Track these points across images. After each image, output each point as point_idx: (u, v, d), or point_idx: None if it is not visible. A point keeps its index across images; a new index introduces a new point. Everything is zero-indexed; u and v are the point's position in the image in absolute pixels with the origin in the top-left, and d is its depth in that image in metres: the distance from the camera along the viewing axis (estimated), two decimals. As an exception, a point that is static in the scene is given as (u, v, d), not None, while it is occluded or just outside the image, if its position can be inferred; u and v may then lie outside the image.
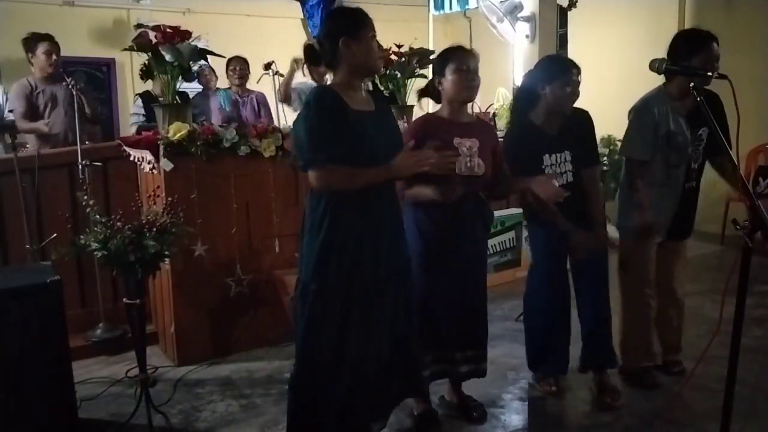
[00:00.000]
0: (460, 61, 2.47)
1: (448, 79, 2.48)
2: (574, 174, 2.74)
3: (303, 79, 4.99)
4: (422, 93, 2.66)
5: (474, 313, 2.62)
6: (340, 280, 2.07)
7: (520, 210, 4.40)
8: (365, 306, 2.12)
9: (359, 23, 2.12)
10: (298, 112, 2.16)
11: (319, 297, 2.08)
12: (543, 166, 2.69)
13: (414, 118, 3.52)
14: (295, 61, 4.78)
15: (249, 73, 5.24)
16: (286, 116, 5.13)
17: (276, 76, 4.81)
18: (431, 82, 2.59)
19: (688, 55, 2.63)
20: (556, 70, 2.66)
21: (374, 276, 2.11)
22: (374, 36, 2.15)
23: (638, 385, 2.94)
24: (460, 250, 2.52)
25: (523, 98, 2.81)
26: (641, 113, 2.80)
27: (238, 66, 5.17)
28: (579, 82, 2.66)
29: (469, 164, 2.45)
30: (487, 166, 2.50)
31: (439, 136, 2.42)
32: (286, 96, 4.90)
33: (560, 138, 2.71)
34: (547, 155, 2.70)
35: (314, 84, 5.12)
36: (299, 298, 2.14)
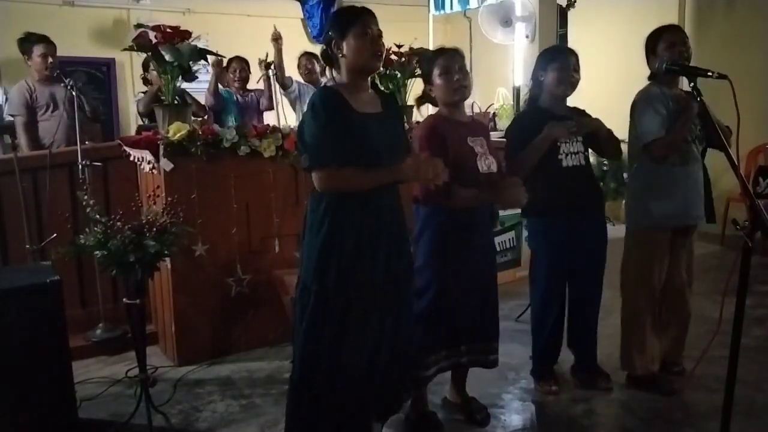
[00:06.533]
0: (445, 63, 2.46)
1: (437, 83, 2.48)
2: (585, 158, 2.78)
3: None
4: (420, 101, 2.67)
5: (489, 307, 2.62)
6: (339, 280, 2.04)
7: (520, 210, 4.41)
8: (363, 307, 2.09)
9: (346, 23, 2.07)
10: (303, 111, 2.18)
11: (320, 298, 2.05)
12: (558, 143, 2.73)
13: (419, 120, 3.52)
14: (275, 39, 4.82)
15: (250, 73, 5.22)
16: (285, 116, 5.15)
17: (274, 77, 4.82)
18: (425, 90, 2.60)
19: (653, 52, 2.82)
20: (551, 56, 2.80)
21: (372, 277, 2.09)
22: (368, 33, 2.06)
23: (652, 392, 2.86)
24: (477, 245, 2.53)
25: (532, 90, 2.90)
26: (647, 98, 2.81)
27: (239, 68, 5.13)
28: (576, 65, 2.75)
29: (487, 161, 2.49)
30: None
31: (453, 137, 2.44)
32: (282, 81, 4.99)
33: (568, 119, 2.74)
34: None
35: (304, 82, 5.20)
36: (299, 299, 2.13)
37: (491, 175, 2.50)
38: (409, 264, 2.27)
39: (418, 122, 3.69)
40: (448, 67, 2.45)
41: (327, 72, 4.72)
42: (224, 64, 5.01)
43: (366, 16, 2.09)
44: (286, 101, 5.21)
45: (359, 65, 2.10)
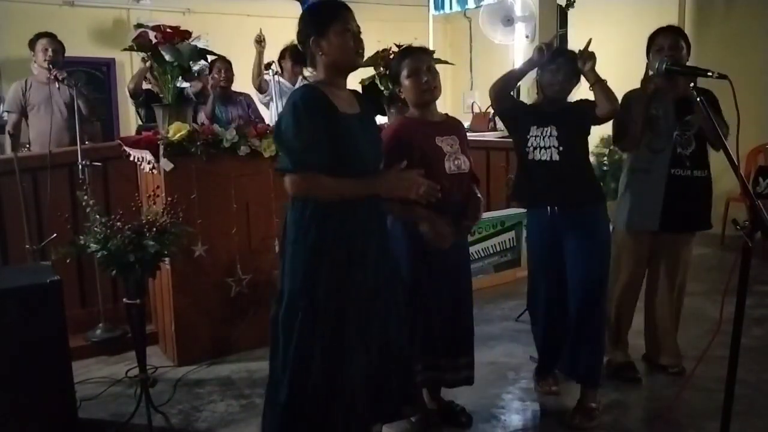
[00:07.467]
0: (413, 64, 2.41)
1: (406, 85, 2.43)
2: (561, 153, 2.64)
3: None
4: (389, 101, 2.64)
5: (462, 317, 2.55)
6: (330, 291, 1.95)
7: (520, 210, 4.41)
8: (359, 316, 2.00)
9: (327, 19, 1.97)
10: (280, 109, 2.10)
11: (309, 313, 1.94)
12: (528, 136, 2.70)
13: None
14: (258, 42, 4.76)
15: (233, 74, 5.09)
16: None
17: (276, 76, 4.80)
18: (394, 91, 2.55)
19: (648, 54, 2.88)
20: (551, 57, 2.73)
21: (365, 284, 2.01)
22: (349, 29, 1.97)
23: (618, 378, 2.99)
24: (443, 252, 2.45)
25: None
26: (623, 99, 2.88)
27: (224, 68, 4.97)
28: (565, 69, 2.66)
29: (456, 161, 2.44)
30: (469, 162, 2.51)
31: (419, 138, 2.40)
32: (259, 84, 4.93)
33: (551, 115, 2.70)
34: (533, 126, 2.70)
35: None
36: (284, 318, 1.98)
37: (460, 175, 2.43)
38: (397, 266, 2.22)
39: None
40: (416, 68, 2.40)
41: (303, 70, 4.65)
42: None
43: (346, 11, 2.00)
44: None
45: (341, 63, 2.01)
